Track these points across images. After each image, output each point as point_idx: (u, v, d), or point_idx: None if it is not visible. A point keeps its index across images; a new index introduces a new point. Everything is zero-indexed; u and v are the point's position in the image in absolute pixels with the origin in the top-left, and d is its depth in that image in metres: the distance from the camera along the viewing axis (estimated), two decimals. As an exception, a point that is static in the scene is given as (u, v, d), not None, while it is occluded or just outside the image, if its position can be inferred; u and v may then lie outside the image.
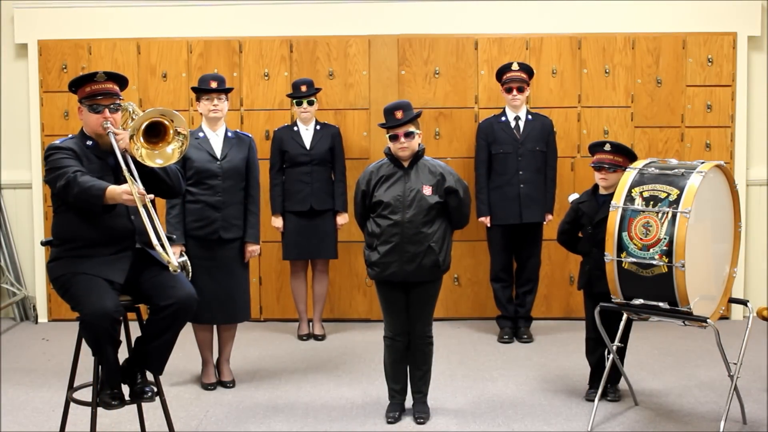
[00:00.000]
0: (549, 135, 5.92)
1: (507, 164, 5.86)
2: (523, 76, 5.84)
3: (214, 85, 4.92)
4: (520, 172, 5.83)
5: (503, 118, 5.91)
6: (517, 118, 5.88)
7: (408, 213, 4.23)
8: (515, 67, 5.84)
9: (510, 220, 5.85)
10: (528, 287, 5.98)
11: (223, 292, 4.84)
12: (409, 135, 4.27)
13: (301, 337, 6.02)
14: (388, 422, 4.39)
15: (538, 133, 5.87)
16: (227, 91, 5.00)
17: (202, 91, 4.94)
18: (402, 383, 4.45)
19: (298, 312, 6.10)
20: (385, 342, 4.42)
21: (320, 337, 6.02)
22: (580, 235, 4.65)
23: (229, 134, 4.96)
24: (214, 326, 4.99)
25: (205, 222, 4.83)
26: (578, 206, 4.63)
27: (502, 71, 5.90)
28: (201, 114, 5.00)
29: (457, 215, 4.33)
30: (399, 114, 4.26)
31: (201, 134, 4.90)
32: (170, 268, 3.52)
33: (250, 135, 5.11)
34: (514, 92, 5.82)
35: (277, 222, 5.93)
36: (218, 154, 4.88)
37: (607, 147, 4.52)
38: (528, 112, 5.93)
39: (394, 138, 4.29)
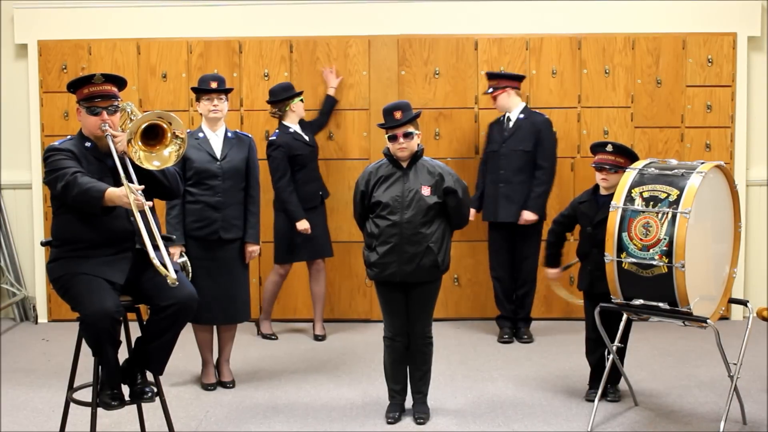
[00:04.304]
0: (540, 133, 5.83)
1: (493, 163, 5.91)
2: (490, 82, 5.91)
3: (214, 85, 4.92)
4: (501, 171, 5.85)
5: (501, 118, 5.96)
6: (508, 119, 5.89)
7: (407, 213, 4.23)
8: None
9: (488, 217, 5.91)
10: (525, 289, 5.97)
11: (223, 293, 4.84)
12: (407, 135, 4.27)
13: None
14: (388, 422, 4.39)
15: (525, 132, 5.82)
16: (227, 91, 4.99)
17: (202, 91, 4.94)
18: (402, 383, 4.45)
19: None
20: (385, 342, 4.42)
21: (320, 337, 6.02)
22: (571, 238, 4.66)
23: (229, 134, 4.96)
24: (214, 326, 4.99)
25: (205, 222, 4.82)
26: (578, 206, 4.63)
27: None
28: (201, 114, 5.00)
29: (455, 215, 4.33)
30: (398, 114, 4.26)
31: (201, 134, 4.90)
32: (168, 281, 3.48)
33: (250, 135, 5.10)
34: (491, 98, 5.95)
35: (303, 224, 5.72)
36: (218, 154, 4.87)
37: (609, 148, 4.52)
38: (522, 111, 5.90)
39: (392, 138, 4.28)
